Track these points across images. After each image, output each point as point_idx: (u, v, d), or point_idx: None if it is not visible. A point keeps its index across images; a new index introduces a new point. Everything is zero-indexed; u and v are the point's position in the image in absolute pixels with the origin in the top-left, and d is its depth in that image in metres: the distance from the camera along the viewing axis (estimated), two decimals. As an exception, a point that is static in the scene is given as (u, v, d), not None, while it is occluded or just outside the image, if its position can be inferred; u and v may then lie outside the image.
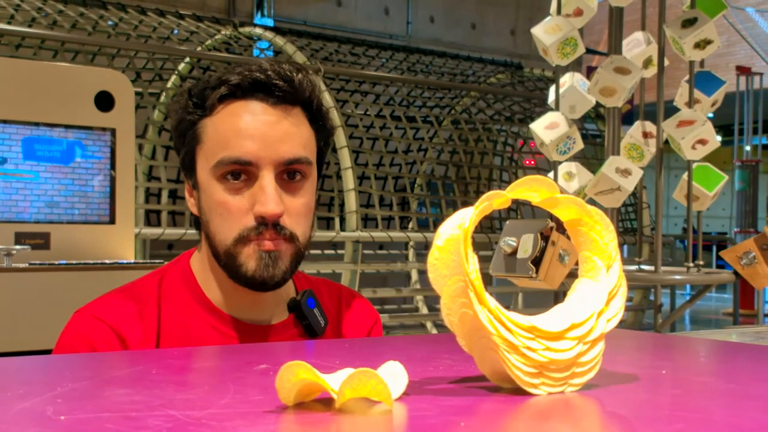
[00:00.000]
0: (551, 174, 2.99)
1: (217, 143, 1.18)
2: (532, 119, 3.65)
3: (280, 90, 1.20)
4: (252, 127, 1.17)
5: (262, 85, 1.20)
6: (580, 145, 2.92)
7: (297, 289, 1.30)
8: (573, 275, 0.84)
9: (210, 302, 1.24)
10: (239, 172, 1.17)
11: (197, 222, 1.27)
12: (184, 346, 1.19)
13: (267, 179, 1.16)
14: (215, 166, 1.17)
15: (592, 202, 2.81)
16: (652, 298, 7.12)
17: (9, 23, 6.05)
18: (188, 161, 1.23)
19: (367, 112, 6.74)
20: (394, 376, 0.72)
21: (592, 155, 7.33)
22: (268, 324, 1.26)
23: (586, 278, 0.81)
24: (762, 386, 0.84)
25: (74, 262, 2.66)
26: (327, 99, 5.59)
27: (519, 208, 7.13)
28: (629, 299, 7.05)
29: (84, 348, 1.17)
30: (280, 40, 6.92)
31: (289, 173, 1.19)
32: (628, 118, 6.08)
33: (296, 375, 0.66)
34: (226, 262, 1.19)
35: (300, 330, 1.28)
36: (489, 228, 6.93)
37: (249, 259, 1.18)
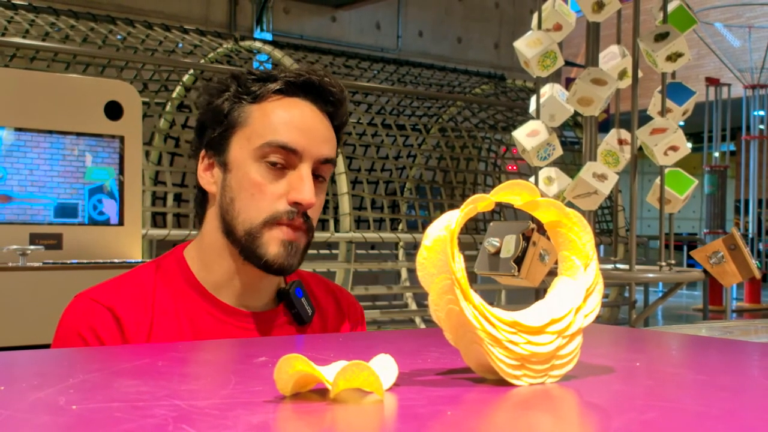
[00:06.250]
0: (532, 179, 2.99)
1: (266, 127, 1.18)
2: (515, 127, 3.65)
3: (332, 96, 1.23)
4: (302, 121, 1.19)
5: (315, 88, 1.23)
6: (559, 151, 2.91)
7: (285, 280, 1.30)
8: (553, 273, 0.84)
9: (204, 288, 1.22)
10: (279, 160, 1.17)
11: (202, 201, 1.26)
12: (177, 327, 1.18)
13: (306, 170, 1.18)
14: (260, 147, 1.17)
15: (570, 204, 2.81)
16: (627, 294, 7.14)
17: (24, 37, 6.04)
18: (219, 139, 1.21)
19: (360, 121, 6.74)
20: (385, 368, 0.72)
21: (571, 161, 7.34)
22: (259, 311, 1.25)
23: (565, 276, 0.81)
24: (729, 377, 0.84)
25: (85, 261, 2.65)
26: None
27: (502, 211, 7.14)
28: (605, 296, 7.05)
29: (83, 328, 1.16)
30: (278, 53, 6.92)
31: (314, 174, 1.20)
32: (604, 126, 6.08)
33: (293, 367, 0.66)
34: (246, 240, 1.18)
35: (289, 318, 1.26)
36: (474, 229, 6.94)
37: (271, 242, 1.17)
